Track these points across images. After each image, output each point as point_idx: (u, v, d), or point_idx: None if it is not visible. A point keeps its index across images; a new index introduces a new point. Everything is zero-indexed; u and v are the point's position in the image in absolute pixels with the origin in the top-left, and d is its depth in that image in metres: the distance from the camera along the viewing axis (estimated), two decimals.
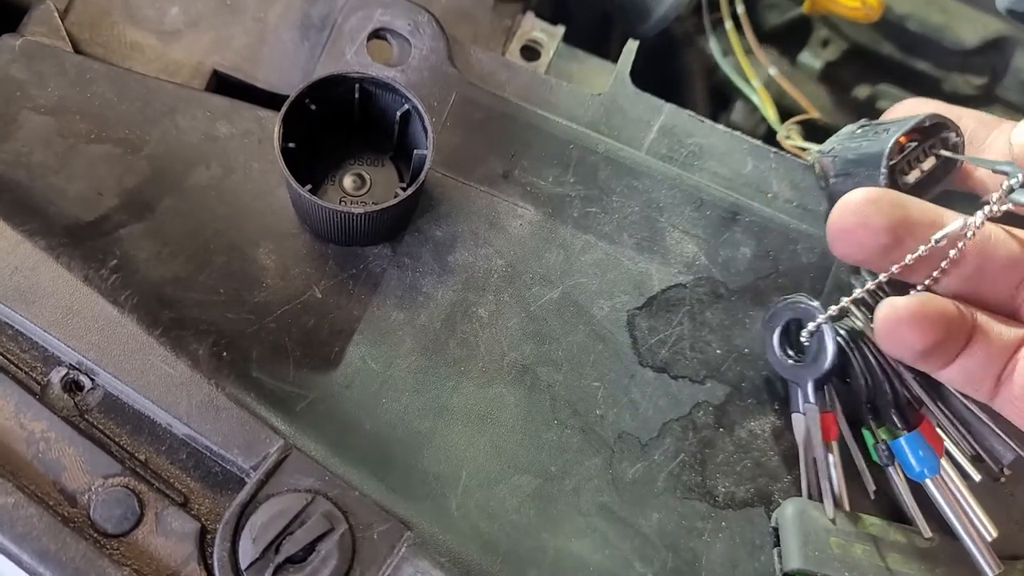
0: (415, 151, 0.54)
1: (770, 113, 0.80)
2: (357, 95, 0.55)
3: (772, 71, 0.89)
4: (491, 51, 0.64)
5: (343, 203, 0.57)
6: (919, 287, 0.51)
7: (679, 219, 0.61)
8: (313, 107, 0.54)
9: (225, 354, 0.51)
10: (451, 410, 0.54)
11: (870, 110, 1.04)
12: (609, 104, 0.63)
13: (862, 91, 1.05)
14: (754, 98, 0.80)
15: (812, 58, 1.04)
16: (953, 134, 0.54)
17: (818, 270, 0.61)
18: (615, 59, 0.72)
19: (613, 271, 0.59)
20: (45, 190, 0.54)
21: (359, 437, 0.52)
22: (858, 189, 0.51)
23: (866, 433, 0.56)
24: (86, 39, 0.62)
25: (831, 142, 0.58)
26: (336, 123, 0.57)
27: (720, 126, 0.64)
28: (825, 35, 1.01)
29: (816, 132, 0.82)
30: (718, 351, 0.59)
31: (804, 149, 0.66)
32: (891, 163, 0.52)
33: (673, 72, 0.92)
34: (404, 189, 0.56)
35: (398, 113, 0.55)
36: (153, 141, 0.57)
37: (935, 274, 0.50)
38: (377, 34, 0.61)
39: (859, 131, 0.57)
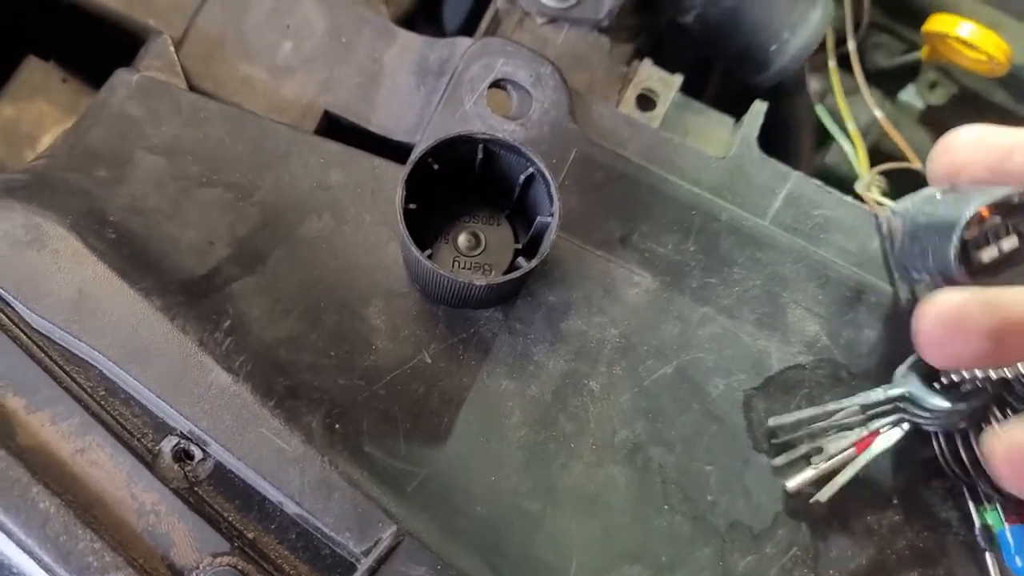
0: (538, 217, 0.52)
1: (861, 161, 0.77)
2: (480, 155, 0.53)
3: (879, 114, 0.85)
4: (609, 103, 0.61)
5: (456, 263, 0.55)
6: None
7: (802, 296, 0.58)
8: (436, 167, 0.52)
9: (338, 426, 0.49)
10: (561, 491, 0.52)
11: None
12: (733, 168, 0.60)
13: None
14: (846, 146, 0.77)
15: (915, 99, 1.00)
16: None
17: None
18: (711, 103, 0.69)
19: (731, 347, 0.57)
20: (160, 239, 0.52)
21: (470, 520, 0.50)
22: (941, 295, 0.47)
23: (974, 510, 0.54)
24: (199, 72, 0.60)
25: (905, 201, 0.54)
26: (455, 180, 0.54)
27: (848, 198, 0.61)
28: (934, 78, 0.97)
29: (910, 184, 0.79)
30: None
31: (881, 204, 0.62)
32: (966, 235, 0.48)
33: (778, 118, 0.89)
34: (520, 251, 0.54)
35: (522, 176, 0.53)
36: (265, 187, 0.56)
37: None
38: (498, 84, 0.59)
39: (940, 196, 0.53)
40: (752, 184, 0.60)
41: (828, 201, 0.60)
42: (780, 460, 0.55)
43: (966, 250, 0.49)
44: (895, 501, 0.55)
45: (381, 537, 0.44)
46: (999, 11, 0.94)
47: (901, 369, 0.55)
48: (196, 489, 0.45)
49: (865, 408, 0.54)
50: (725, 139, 0.67)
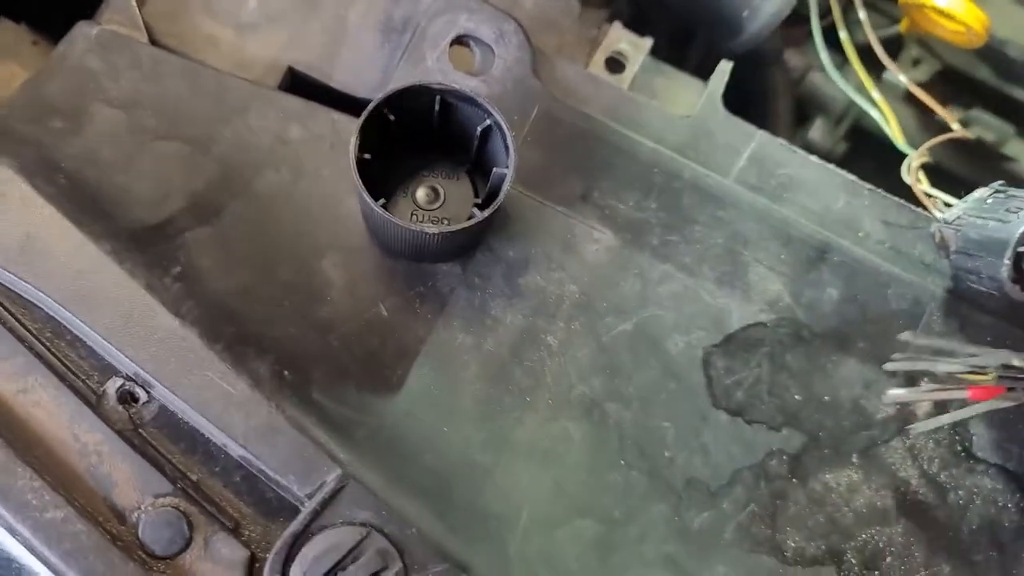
0: (494, 169, 0.52)
1: (895, 129, 0.75)
2: (437, 107, 0.53)
3: (903, 79, 0.83)
4: (575, 63, 0.61)
5: (415, 216, 0.55)
6: None
7: (764, 254, 0.58)
8: (392, 117, 0.52)
9: (287, 373, 0.49)
10: (514, 444, 0.52)
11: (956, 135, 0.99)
12: (698, 127, 0.60)
13: (952, 114, 1.00)
14: (875, 114, 0.76)
15: (906, 73, 0.99)
16: None
17: (909, 317, 0.57)
18: (693, 71, 0.68)
19: (691, 305, 0.56)
20: (112, 189, 0.52)
21: (419, 469, 0.50)
22: None
23: None
24: (162, 29, 0.60)
25: (957, 210, 0.54)
26: (413, 133, 0.54)
27: (813, 158, 0.60)
28: (917, 54, 0.96)
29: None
30: (797, 397, 0.56)
31: (930, 196, 0.61)
32: (1018, 251, 0.48)
33: (753, 88, 0.88)
34: (479, 206, 0.54)
35: (479, 128, 0.52)
36: (224, 141, 0.55)
37: None
38: (460, 40, 0.59)
39: (990, 200, 0.52)
40: (716, 143, 0.60)
41: (793, 160, 0.60)
42: (893, 366, 0.53)
43: (1019, 266, 0.49)
44: (854, 459, 0.55)
45: (325, 481, 0.44)
46: None
47: None
48: (140, 431, 0.45)
49: (1004, 367, 0.50)
50: (694, 102, 0.66)
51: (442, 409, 0.52)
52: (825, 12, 0.88)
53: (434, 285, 0.54)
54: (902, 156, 0.67)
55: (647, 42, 0.67)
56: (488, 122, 0.52)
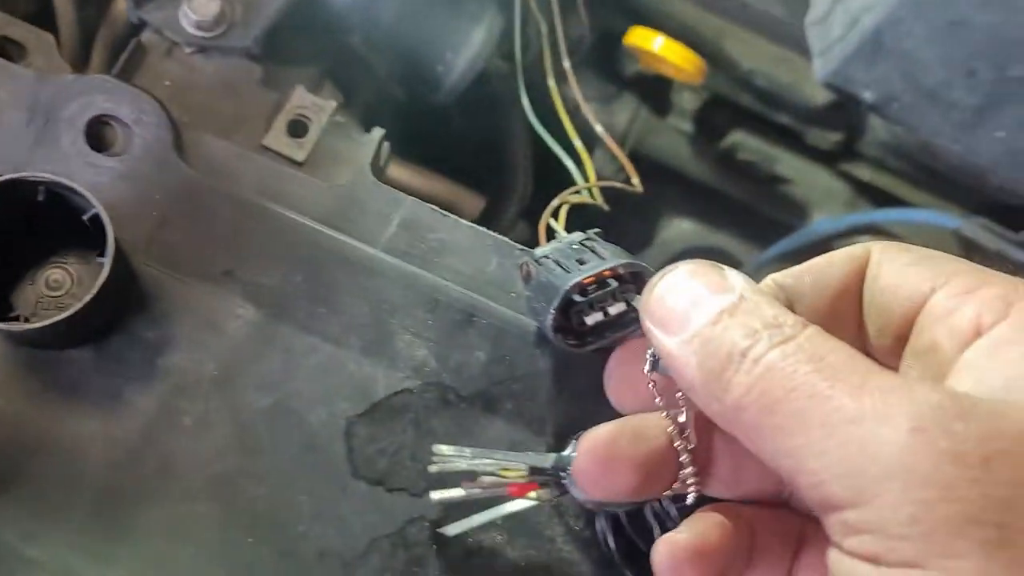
0: (97, 259, 0.52)
1: (591, 178, 0.77)
2: (43, 197, 0.52)
3: (598, 128, 0.87)
4: (225, 140, 0.61)
5: (39, 304, 0.55)
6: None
7: (411, 321, 0.58)
8: None
9: None
10: (136, 532, 0.52)
11: (732, 161, 1.02)
12: (348, 197, 0.61)
13: (727, 140, 1.04)
14: (568, 162, 0.78)
15: (678, 102, 1.02)
16: None
17: (556, 375, 0.58)
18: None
19: (336, 376, 0.57)
20: None
21: (22, 568, 0.50)
22: (592, 432, 0.48)
23: None
24: None
25: (546, 249, 0.55)
26: (36, 220, 0.54)
27: (464, 222, 0.61)
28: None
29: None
30: None
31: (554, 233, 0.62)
32: (567, 301, 0.50)
33: (495, 133, 0.90)
34: None
35: (87, 216, 0.52)
36: None
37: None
38: (100, 120, 0.59)
39: (576, 246, 0.54)
40: (366, 211, 0.60)
41: (444, 225, 0.61)
42: (435, 468, 0.52)
43: (567, 315, 0.51)
44: (499, 521, 0.56)
45: None
46: (724, 18, 0.96)
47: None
48: None
49: (532, 470, 0.51)
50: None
51: (57, 503, 0.52)
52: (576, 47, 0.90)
53: (62, 373, 0.54)
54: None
55: (331, 104, 0.67)
56: (93, 211, 0.52)
